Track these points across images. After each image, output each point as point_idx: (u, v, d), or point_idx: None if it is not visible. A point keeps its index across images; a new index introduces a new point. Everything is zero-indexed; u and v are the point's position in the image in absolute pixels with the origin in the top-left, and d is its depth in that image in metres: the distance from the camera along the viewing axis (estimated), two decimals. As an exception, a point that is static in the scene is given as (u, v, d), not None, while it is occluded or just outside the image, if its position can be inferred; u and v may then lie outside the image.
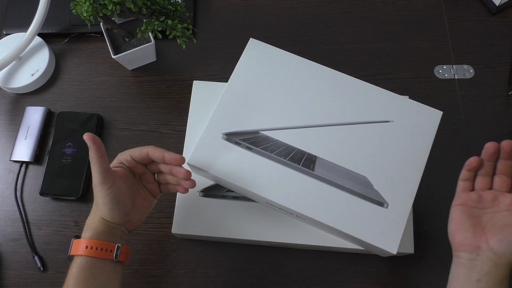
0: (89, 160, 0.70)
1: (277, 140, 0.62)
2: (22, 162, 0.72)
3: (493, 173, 0.57)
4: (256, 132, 0.62)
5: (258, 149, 0.61)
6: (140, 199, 0.58)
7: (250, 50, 0.67)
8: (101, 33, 0.74)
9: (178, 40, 0.66)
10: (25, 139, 0.72)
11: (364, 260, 0.66)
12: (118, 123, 0.75)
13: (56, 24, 0.79)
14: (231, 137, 0.62)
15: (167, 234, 0.68)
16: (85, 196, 0.70)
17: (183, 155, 0.67)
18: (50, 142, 0.72)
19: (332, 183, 0.59)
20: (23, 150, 0.71)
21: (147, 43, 0.72)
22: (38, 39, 0.78)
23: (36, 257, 0.67)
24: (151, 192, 0.59)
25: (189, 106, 0.69)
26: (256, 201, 0.64)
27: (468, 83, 0.76)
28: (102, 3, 0.62)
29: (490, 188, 0.57)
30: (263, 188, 0.59)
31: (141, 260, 0.67)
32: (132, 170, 0.58)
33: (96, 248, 0.52)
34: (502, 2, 0.78)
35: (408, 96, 0.66)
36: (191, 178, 0.57)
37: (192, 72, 0.77)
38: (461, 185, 0.58)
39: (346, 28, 0.80)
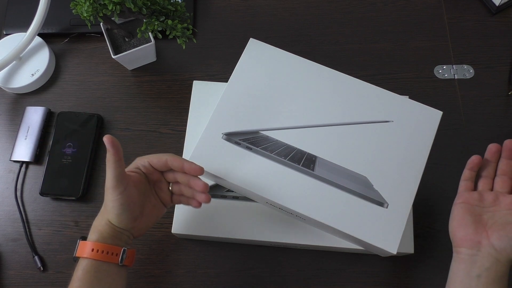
0: (89, 160, 0.71)
1: (277, 140, 0.62)
2: (22, 162, 0.72)
3: (494, 175, 0.58)
4: (256, 132, 0.62)
5: (258, 149, 0.61)
6: (150, 206, 0.57)
7: (250, 50, 0.67)
8: (101, 33, 0.74)
9: (178, 40, 0.66)
10: (25, 139, 0.72)
11: (364, 260, 0.66)
12: (118, 123, 0.75)
13: (56, 24, 0.79)
14: (231, 137, 0.62)
15: (167, 234, 0.68)
16: (85, 196, 0.70)
17: (183, 155, 0.67)
18: (50, 142, 0.72)
19: (332, 183, 0.59)
20: (23, 150, 0.71)
21: (147, 43, 0.72)
22: (38, 39, 0.78)
23: (36, 257, 0.67)
24: (162, 200, 0.59)
25: (189, 106, 0.69)
26: (256, 201, 0.63)
27: (468, 83, 0.76)
28: (102, 3, 0.62)
29: (492, 190, 0.58)
30: (263, 188, 0.59)
31: (141, 260, 0.67)
32: (147, 177, 0.57)
33: (102, 252, 0.52)
34: (502, 2, 0.78)
35: (408, 96, 0.66)
36: (207, 192, 0.56)
37: (192, 72, 0.77)
38: (462, 184, 0.59)
39: (346, 28, 0.80)
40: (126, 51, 0.71)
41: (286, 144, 0.61)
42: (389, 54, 0.78)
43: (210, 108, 0.67)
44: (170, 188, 0.59)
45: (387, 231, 0.57)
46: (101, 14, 0.63)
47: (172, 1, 0.66)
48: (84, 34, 0.80)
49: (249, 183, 0.59)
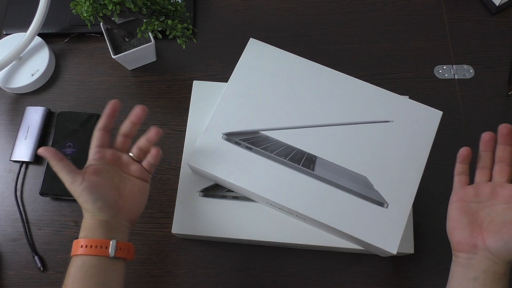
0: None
1: (277, 140, 0.62)
2: (22, 162, 0.72)
3: (492, 165, 0.56)
4: (256, 132, 0.62)
5: (258, 149, 0.61)
6: (128, 186, 0.56)
7: (250, 50, 0.67)
8: (101, 33, 0.74)
9: (178, 40, 0.66)
10: (25, 139, 0.72)
11: (364, 260, 0.66)
12: (118, 123, 0.74)
13: (56, 24, 0.79)
14: (231, 137, 0.62)
15: (167, 234, 0.68)
16: (85, 196, 0.70)
17: (183, 155, 0.67)
18: (50, 142, 0.72)
19: (332, 183, 0.59)
20: (23, 150, 0.71)
21: (147, 43, 0.72)
22: (38, 39, 0.78)
23: (36, 257, 0.67)
24: (137, 175, 0.57)
25: (189, 106, 0.69)
26: (256, 201, 0.63)
27: (468, 83, 0.76)
28: (102, 3, 0.62)
29: (490, 180, 0.56)
30: (263, 188, 0.59)
31: (141, 260, 0.67)
32: (106, 162, 0.56)
33: (91, 246, 0.51)
34: (502, 2, 0.78)
35: (408, 96, 0.66)
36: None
37: (192, 72, 0.77)
38: (456, 180, 0.57)
39: (346, 28, 0.80)
40: (126, 51, 0.71)
41: (286, 144, 0.61)
42: (389, 54, 0.78)
43: (210, 108, 0.67)
44: (130, 155, 0.58)
45: (387, 231, 0.57)
46: (101, 14, 0.63)
47: (172, 1, 0.66)
48: (84, 34, 0.80)
49: (249, 183, 0.59)
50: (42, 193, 0.69)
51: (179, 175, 0.66)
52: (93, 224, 0.53)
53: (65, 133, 0.72)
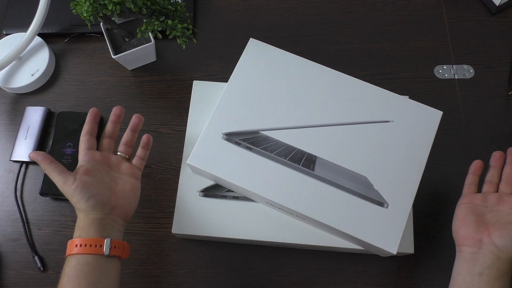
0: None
1: (277, 140, 0.62)
2: (22, 162, 0.72)
3: (499, 181, 0.59)
4: (256, 132, 0.62)
5: (258, 149, 0.61)
6: (120, 184, 0.57)
7: (250, 50, 0.67)
8: (101, 33, 0.74)
9: (178, 40, 0.66)
10: (25, 139, 0.72)
11: (364, 260, 0.66)
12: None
13: (56, 24, 0.79)
14: (231, 137, 0.62)
15: (167, 234, 0.68)
16: (85, 196, 0.70)
17: (183, 155, 0.67)
18: (50, 142, 0.72)
19: (332, 183, 0.59)
20: (23, 150, 0.71)
21: (147, 43, 0.72)
22: (38, 39, 0.78)
23: (36, 257, 0.67)
24: (129, 175, 0.59)
25: (189, 106, 0.69)
26: (256, 201, 0.63)
27: (468, 83, 0.76)
28: (102, 3, 0.62)
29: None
30: (263, 188, 0.59)
31: (141, 260, 0.67)
32: (96, 163, 0.57)
33: (85, 245, 0.52)
34: (502, 2, 0.78)
35: (408, 96, 0.66)
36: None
37: (192, 72, 0.77)
38: (466, 188, 0.60)
39: (346, 28, 0.80)
40: (126, 51, 0.71)
41: (286, 144, 0.61)
42: (389, 54, 0.78)
43: (210, 108, 0.67)
44: (118, 153, 0.60)
45: (387, 231, 0.57)
46: (101, 14, 0.63)
47: (172, 1, 0.66)
48: (84, 34, 0.80)
49: (249, 183, 0.59)
50: (42, 193, 0.69)
51: (179, 175, 0.66)
52: (87, 223, 0.53)
53: (65, 133, 0.72)
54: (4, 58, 0.71)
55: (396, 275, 0.66)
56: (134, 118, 0.62)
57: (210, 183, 0.65)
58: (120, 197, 0.56)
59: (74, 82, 0.77)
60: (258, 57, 0.66)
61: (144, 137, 0.62)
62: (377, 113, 0.63)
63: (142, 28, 0.65)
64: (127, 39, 0.73)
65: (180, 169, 0.66)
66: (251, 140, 0.61)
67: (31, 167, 0.72)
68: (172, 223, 0.63)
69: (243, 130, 0.62)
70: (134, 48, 0.71)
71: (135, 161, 0.61)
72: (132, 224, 0.68)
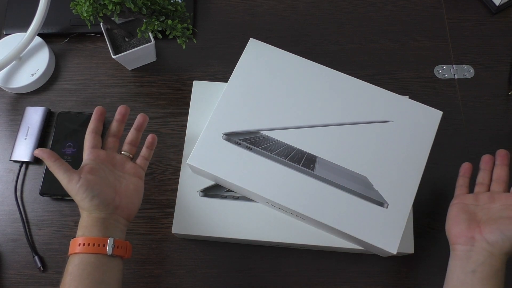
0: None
1: (277, 140, 0.62)
2: (22, 162, 0.72)
3: (490, 182, 0.60)
4: (256, 132, 0.62)
5: (258, 149, 0.61)
6: (124, 184, 0.57)
7: (250, 50, 0.67)
8: (101, 33, 0.74)
9: (178, 40, 0.66)
10: (25, 139, 0.72)
11: (364, 260, 0.66)
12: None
13: (56, 24, 0.79)
14: (231, 137, 0.62)
15: (167, 234, 0.68)
16: (85, 196, 0.70)
17: (183, 155, 0.67)
18: (50, 142, 0.72)
19: (332, 183, 0.59)
20: (23, 150, 0.71)
21: (147, 43, 0.72)
22: (38, 39, 0.78)
23: (36, 257, 0.67)
24: (133, 174, 0.59)
25: (189, 106, 0.69)
26: (256, 201, 0.63)
27: (468, 83, 0.76)
28: (102, 3, 0.62)
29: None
30: (263, 188, 0.59)
31: (141, 260, 0.67)
32: (101, 162, 0.57)
33: (89, 244, 0.52)
34: (502, 2, 0.78)
35: (408, 96, 0.66)
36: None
37: (192, 72, 0.77)
38: (458, 189, 0.61)
39: (346, 28, 0.80)
40: (126, 51, 0.71)
41: (286, 144, 0.61)
42: (389, 54, 0.78)
43: (210, 108, 0.67)
44: (123, 153, 0.60)
45: (387, 231, 0.57)
46: (101, 14, 0.63)
47: (172, 1, 0.66)
48: (84, 34, 0.80)
49: (249, 183, 0.59)
50: (42, 193, 0.69)
51: (179, 175, 0.66)
52: (90, 222, 0.53)
53: (65, 133, 0.72)
54: (4, 58, 0.71)
55: (396, 275, 0.66)
56: (139, 118, 0.62)
57: (210, 183, 0.65)
58: (124, 196, 0.57)
59: (74, 82, 0.77)
60: (258, 57, 0.66)
61: (149, 137, 0.62)
62: (377, 113, 0.63)
63: (142, 28, 0.65)
64: (127, 39, 0.73)
65: (180, 169, 0.66)
66: (251, 140, 0.61)
67: (31, 167, 0.72)
68: (172, 223, 0.63)
69: (243, 130, 0.62)
70: (134, 48, 0.71)
71: (139, 160, 0.61)
72: (132, 224, 0.68)
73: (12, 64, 0.75)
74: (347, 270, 0.66)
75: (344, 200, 0.58)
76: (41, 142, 0.73)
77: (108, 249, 0.52)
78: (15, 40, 0.76)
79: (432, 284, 0.65)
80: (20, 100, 0.77)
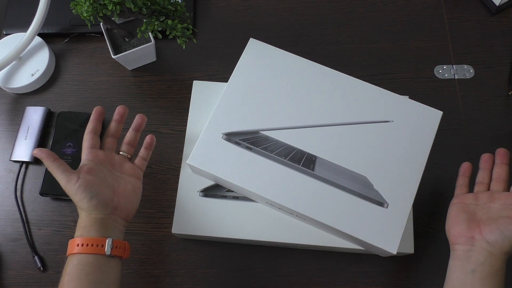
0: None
1: (277, 140, 0.62)
2: (22, 162, 0.72)
3: (489, 182, 0.60)
4: (256, 132, 0.62)
5: (258, 149, 0.61)
6: (122, 184, 0.57)
7: (250, 50, 0.67)
8: (101, 33, 0.74)
9: (178, 40, 0.66)
10: (25, 139, 0.72)
11: (364, 260, 0.66)
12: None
13: (56, 24, 0.79)
14: (231, 137, 0.62)
15: (167, 234, 0.68)
16: (85, 196, 0.70)
17: (183, 155, 0.67)
18: (50, 142, 0.72)
19: (332, 183, 0.59)
20: (23, 150, 0.71)
21: (147, 43, 0.72)
22: (38, 39, 0.78)
23: (36, 257, 0.67)
24: (131, 175, 0.59)
25: (189, 106, 0.69)
26: (256, 201, 0.63)
27: (468, 83, 0.76)
28: (102, 3, 0.62)
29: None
30: (263, 188, 0.59)
31: (141, 260, 0.67)
32: (100, 163, 0.57)
33: (87, 245, 0.52)
34: (502, 2, 0.78)
35: (408, 96, 0.66)
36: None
37: (192, 72, 0.77)
38: (457, 189, 0.61)
39: (346, 28, 0.80)
40: (126, 51, 0.71)
41: (286, 144, 0.61)
42: (389, 54, 0.78)
43: (210, 108, 0.67)
44: (121, 153, 0.60)
45: (387, 231, 0.57)
46: (101, 14, 0.63)
47: (172, 1, 0.66)
48: (84, 34, 0.80)
49: (249, 183, 0.59)
50: (42, 193, 0.69)
51: (179, 175, 0.66)
52: (89, 223, 0.53)
53: (65, 133, 0.72)
54: (4, 58, 0.71)
55: (396, 275, 0.66)
56: (137, 118, 0.62)
57: (210, 183, 0.65)
58: (122, 197, 0.56)
59: (74, 82, 0.77)
60: (258, 57, 0.66)
61: (148, 138, 0.62)
62: (377, 113, 0.63)
63: (142, 28, 0.65)
64: (127, 39, 0.73)
65: (180, 169, 0.66)
66: (251, 140, 0.61)
67: (31, 167, 0.72)
68: (172, 223, 0.63)
69: (243, 130, 0.62)
70: (134, 48, 0.71)
71: (137, 161, 0.61)
72: (132, 224, 0.68)
73: (12, 64, 0.75)
74: (347, 270, 0.66)
75: (344, 200, 0.58)
76: (41, 142, 0.73)
77: (107, 249, 0.52)
78: (15, 40, 0.76)
79: (432, 284, 0.65)
80: (20, 100, 0.77)
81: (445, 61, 0.77)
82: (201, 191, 0.64)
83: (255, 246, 0.67)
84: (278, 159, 0.60)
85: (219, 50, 0.79)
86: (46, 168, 0.70)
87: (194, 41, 0.69)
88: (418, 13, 0.81)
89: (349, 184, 0.59)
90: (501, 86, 0.76)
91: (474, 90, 0.75)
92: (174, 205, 0.64)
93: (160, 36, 0.68)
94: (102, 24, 0.72)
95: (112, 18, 0.67)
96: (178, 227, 0.63)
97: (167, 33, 0.65)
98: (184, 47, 0.68)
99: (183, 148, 0.67)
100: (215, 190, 0.65)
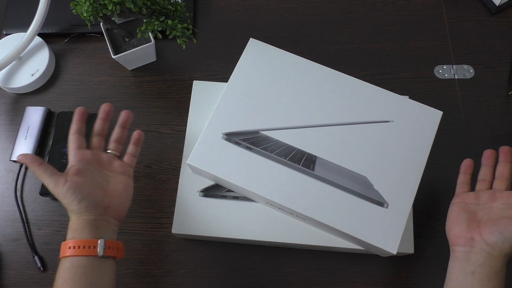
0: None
1: (277, 140, 0.62)
2: (21, 163, 0.72)
3: (492, 179, 0.59)
4: (256, 132, 0.62)
5: (258, 149, 0.61)
6: (112, 183, 0.56)
7: (250, 50, 0.67)
8: (101, 33, 0.74)
9: (178, 40, 0.66)
10: (25, 139, 0.72)
11: (364, 260, 0.66)
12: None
13: (56, 24, 0.79)
14: (231, 137, 0.62)
15: (167, 234, 0.68)
16: (85, 196, 0.70)
17: (183, 155, 0.67)
18: (50, 142, 0.72)
19: (332, 183, 0.59)
20: (23, 150, 0.71)
21: (147, 43, 0.72)
22: (38, 39, 0.78)
23: (36, 257, 0.67)
24: (121, 173, 0.58)
25: (189, 106, 0.69)
26: (256, 201, 0.63)
27: (468, 83, 0.76)
28: (102, 3, 0.62)
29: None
30: (263, 188, 0.59)
31: (141, 260, 0.67)
32: (88, 163, 0.56)
33: (79, 247, 0.51)
34: (502, 2, 0.78)
35: (408, 96, 0.66)
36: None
37: (192, 72, 0.77)
38: (458, 187, 0.60)
39: (346, 28, 0.80)
40: (126, 51, 0.71)
41: (286, 144, 0.61)
42: (389, 54, 0.78)
43: (210, 108, 0.67)
44: (109, 151, 0.59)
45: (387, 231, 0.57)
46: (101, 14, 0.63)
47: (172, 1, 0.66)
48: (84, 34, 0.80)
49: (249, 183, 0.59)
50: (42, 193, 0.69)
51: (179, 175, 0.66)
52: (80, 225, 0.53)
53: (65, 133, 0.71)
54: (4, 58, 0.71)
55: (396, 275, 0.66)
56: (123, 114, 0.60)
57: (210, 183, 0.65)
58: (113, 197, 0.55)
59: (74, 82, 0.77)
60: (258, 57, 0.66)
61: (135, 133, 0.61)
62: (377, 113, 0.63)
63: (142, 28, 0.65)
64: (127, 39, 0.73)
65: (180, 169, 0.66)
66: (251, 140, 0.61)
67: (31, 167, 0.72)
68: (172, 223, 0.63)
69: (243, 130, 0.62)
70: (134, 48, 0.71)
71: (126, 158, 0.60)
72: (132, 224, 0.68)
73: (12, 64, 0.75)
74: (347, 270, 0.66)
75: (344, 200, 0.58)
76: (41, 142, 0.73)
77: (99, 250, 0.51)
78: (15, 40, 0.76)
79: (432, 284, 0.65)
80: (20, 100, 0.77)
81: (445, 61, 0.77)
82: (201, 191, 0.64)
83: (255, 246, 0.67)
84: (278, 159, 0.60)
85: (219, 50, 0.79)
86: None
87: (194, 41, 0.69)
88: (418, 13, 0.81)
89: (349, 184, 0.59)
90: (501, 86, 0.76)
91: (474, 90, 0.75)
92: (174, 205, 0.64)
93: (160, 36, 0.68)
94: (102, 24, 0.72)
95: (112, 18, 0.67)
96: (178, 227, 0.63)
97: (167, 33, 0.65)
98: (184, 47, 0.68)
99: (183, 148, 0.67)
100: (215, 190, 0.65)
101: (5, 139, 0.74)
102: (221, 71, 0.77)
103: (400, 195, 0.59)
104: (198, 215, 0.63)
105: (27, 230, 0.68)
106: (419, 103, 0.64)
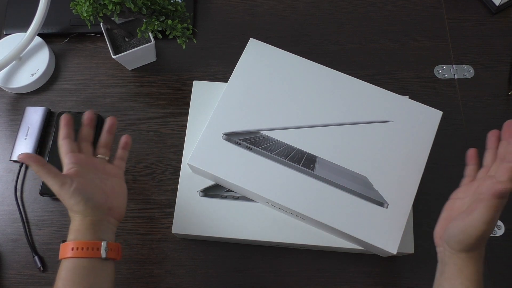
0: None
1: (277, 140, 0.62)
2: (22, 162, 0.71)
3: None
4: (256, 132, 0.62)
5: (258, 149, 0.61)
6: (109, 186, 0.56)
7: (250, 50, 0.67)
8: (101, 33, 0.74)
9: (178, 40, 0.66)
10: (25, 139, 0.72)
11: (364, 260, 0.66)
12: (118, 123, 0.74)
13: (56, 24, 0.79)
14: (231, 137, 0.62)
15: (167, 234, 0.68)
16: (85, 196, 0.70)
17: (183, 155, 0.67)
18: (50, 142, 0.72)
19: (332, 183, 0.59)
20: (23, 150, 0.71)
21: (147, 43, 0.72)
22: (38, 39, 0.78)
23: (36, 257, 0.67)
24: (114, 175, 0.58)
25: (189, 106, 0.69)
26: (256, 201, 0.63)
27: (468, 83, 0.76)
28: (102, 3, 0.62)
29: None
30: (263, 188, 0.59)
31: (141, 260, 0.67)
32: (84, 166, 0.56)
33: (82, 248, 0.51)
34: (502, 2, 0.78)
35: (408, 96, 0.66)
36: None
37: (192, 72, 0.77)
38: (463, 181, 0.56)
39: (346, 28, 0.80)
40: (126, 51, 0.71)
41: (286, 144, 0.61)
42: (389, 54, 0.78)
43: (210, 108, 0.67)
44: (98, 156, 0.59)
45: (387, 231, 0.57)
46: (101, 14, 0.63)
47: (172, 1, 0.66)
48: (84, 34, 0.80)
49: (249, 183, 0.59)
50: (42, 193, 0.69)
51: (179, 175, 0.66)
52: (84, 226, 0.52)
53: (65, 133, 0.72)
54: (4, 58, 0.71)
55: (396, 275, 0.66)
56: (108, 120, 0.60)
57: (210, 183, 0.65)
58: (114, 197, 0.56)
59: (74, 82, 0.77)
60: (258, 57, 0.66)
61: (123, 138, 0.61)
62: (377, 113, 0.63)
63: (142, 28, 0.65)
64: (127, 39, 0.73)
65: (180, 169, 0.66)
66: (251, 140, 0.61)
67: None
68: (172, 223, 0.63)
69: (243, 130, 0.62)
70: (134, 48, 0.71)
71: (115, 162, 0.60)
72: (132, 224, 0.68)
73: (12, 64, 0.75)
74: (347, 270, 0.66)
75: (344, 200, 0.58)
76: (41, 142, 0.73)
77: (102, 252, 0.52)
78: (15, 40, 0.76)
79: (432, 284, 0.65)
80: (20, 100, 0.77)
81: (445, 61, 0.77)
82: (201, 191, 0.64)
83: (255, 246, 0.67)
84: (278, 159, 0.60)
85: (219, 50, 0.79)
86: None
87: (194, 41, 0.69)
88: (418, 13, 0.81)
89: (349, 184, 0.59)
90: (501, 86, 0.76)
91: (474, 90, 0.75)
92: (174, 205, 0.64)
93: (160, 36, 0.68)
94: (102, 24, 0.72)
95: (112, 18, 0.67)
96: (178, 227, 0.63)
97: (167, 33, 0.65)
98: (184, 47, 0.68)
99: (183, 148, 0.67)
100: (215, 190, 0.65)
101: (5, 139, 0.74)
102: (221, 71, 0.77)
103: (400, 195, 0.59)
104: (198, 215, 0.63)
105: (27, 230, 0.68)
106: (419, 103, 0.64)
